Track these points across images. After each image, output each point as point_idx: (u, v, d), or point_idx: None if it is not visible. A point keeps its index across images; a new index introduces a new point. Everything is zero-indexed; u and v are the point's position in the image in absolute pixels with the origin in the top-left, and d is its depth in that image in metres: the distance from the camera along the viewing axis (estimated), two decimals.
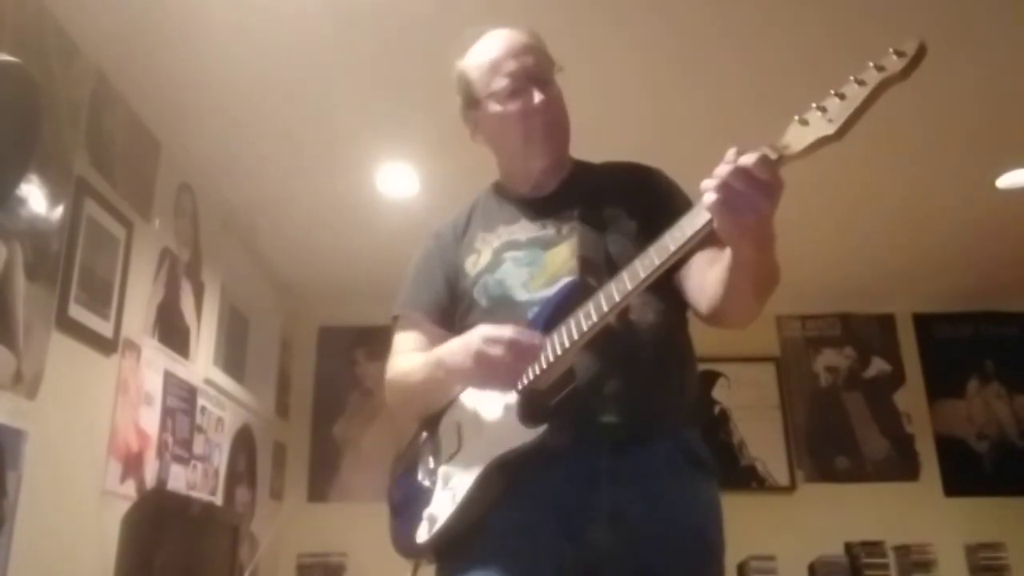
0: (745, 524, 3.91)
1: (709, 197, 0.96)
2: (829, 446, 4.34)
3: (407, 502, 1.29)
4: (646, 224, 1.25)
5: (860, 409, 4.43)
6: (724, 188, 0.95)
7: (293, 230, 3.64)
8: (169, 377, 2.81)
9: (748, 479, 4.28)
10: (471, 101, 1.39)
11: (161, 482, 2.71)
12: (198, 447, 3.05)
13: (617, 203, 1.33)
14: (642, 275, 1.06)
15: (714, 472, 1.26)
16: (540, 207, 1.37)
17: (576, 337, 1.11)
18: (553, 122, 1.35)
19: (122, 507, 2.36)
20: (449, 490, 1.21)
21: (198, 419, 3.06)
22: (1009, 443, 4.37)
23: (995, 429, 4.40)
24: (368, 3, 2.25)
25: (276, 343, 4.18)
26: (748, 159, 0.95)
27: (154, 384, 2.71)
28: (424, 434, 1.34)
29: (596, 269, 1.23)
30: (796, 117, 0.95)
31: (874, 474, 4.28)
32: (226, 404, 3.40)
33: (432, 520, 1.21)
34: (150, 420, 2.66)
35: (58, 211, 2.16)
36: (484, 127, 1.40)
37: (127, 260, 2.52)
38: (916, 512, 4.16)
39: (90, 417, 2.30)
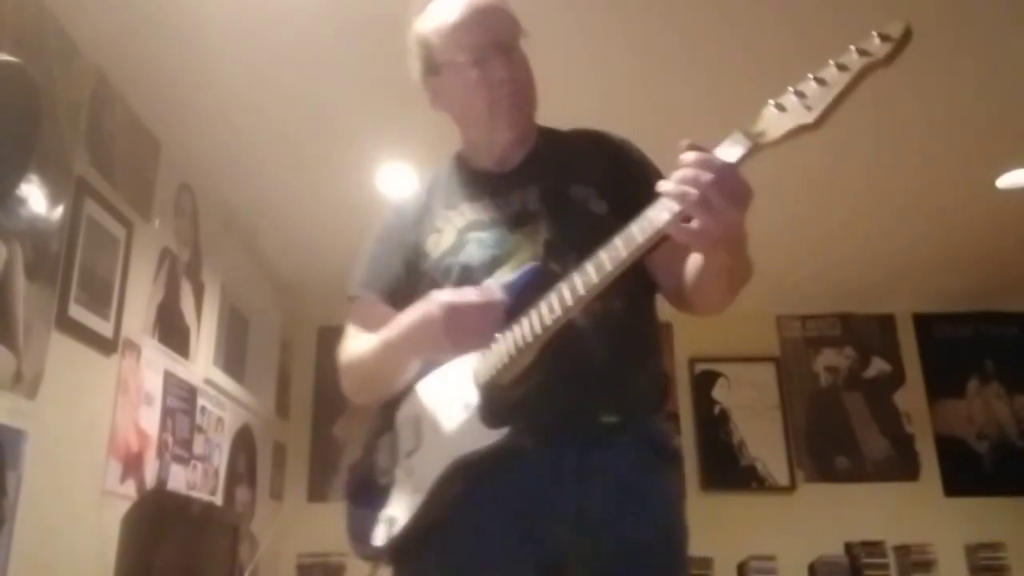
0: (745, 524, 3.99)
1: (674, 213, 0.92)
2: (829, 446, 4.34)
3: (363, 500, 1.22)
4: (615, 204, 1.20)
5: (860, 409, 4.43)
6: (691, 208, 0.91)
7: (293, 230, 3.64)
8: (169, 377, 2.81)
9: (748, 479, 4.27)
10: (432, 67, 1.29)
11: (161, 482, 2.71)
12: (198, 447, 3.05)
13: (586, 181, 1.25)
14: (608, 268, 1.00)
15: (678, 458, 1.24)
16: (505, 183, 1.28)
17: (540, 332, 1.05)
18: (519, 92, 1.27)
19: (122, 507, 2.36)
20: (409, 491, 1.15)
21: (198, 419, 3.06)
22: (1009, 443, 4.37)
23: (995, 429, 4.40)
24: (368, 2, 2.25)
25: (276, 343, 4.17)
26: (713, 171, 0.90)
27: (154, 384, 2.71)
28: (380, 426, 1.27)
29: (562, 254, 1.15)
30: (771, 101, 0.88)
31: (874, 474, 4.28)
32: (226, 404, 3.40)
33: (391, 522, 1.16)
34: (150, 420, 2.66)
35: (58, 211, 2.16)
36: (445, 96, 1.31)
37: (127, 260, 2.52)
38: (916, 512, 4.16)
39: (90, 417, 2.30)
